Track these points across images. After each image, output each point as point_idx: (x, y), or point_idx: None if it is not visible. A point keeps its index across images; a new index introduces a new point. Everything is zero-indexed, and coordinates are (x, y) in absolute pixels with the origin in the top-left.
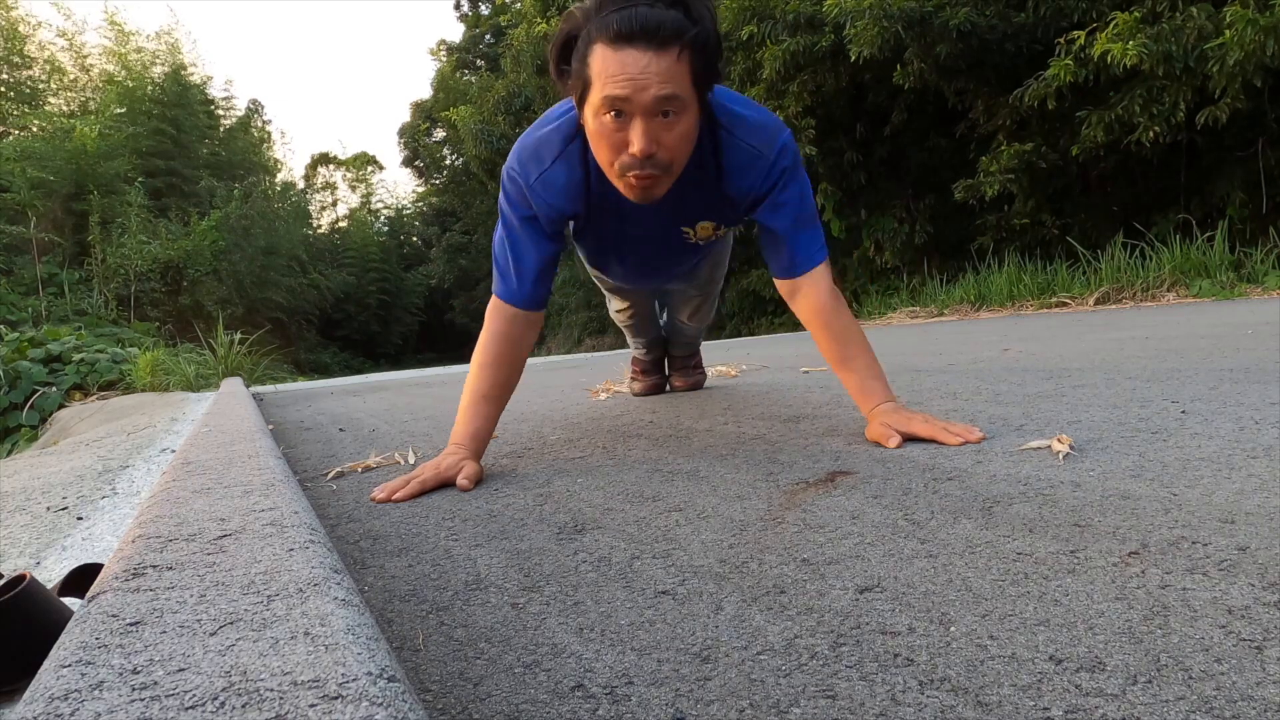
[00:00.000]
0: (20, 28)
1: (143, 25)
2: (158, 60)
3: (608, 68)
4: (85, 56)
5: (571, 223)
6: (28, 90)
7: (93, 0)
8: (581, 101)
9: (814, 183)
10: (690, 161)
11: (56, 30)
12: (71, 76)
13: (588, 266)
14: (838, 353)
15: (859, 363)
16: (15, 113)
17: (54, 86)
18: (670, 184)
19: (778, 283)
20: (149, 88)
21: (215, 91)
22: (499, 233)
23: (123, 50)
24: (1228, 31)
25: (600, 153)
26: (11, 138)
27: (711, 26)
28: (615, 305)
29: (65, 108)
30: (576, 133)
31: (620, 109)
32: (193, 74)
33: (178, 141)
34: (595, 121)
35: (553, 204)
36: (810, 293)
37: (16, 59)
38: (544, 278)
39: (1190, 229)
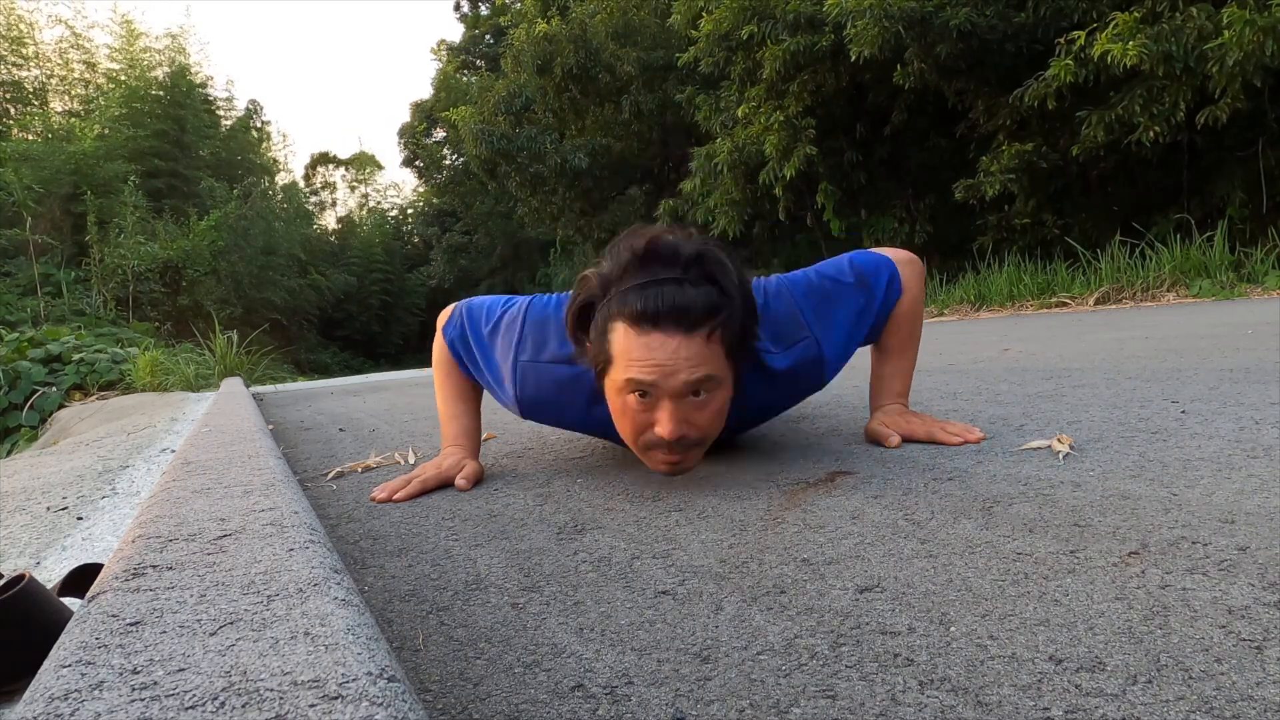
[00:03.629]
0: (21, 26)
1: (147, 25)
2: (162, 61)
3: (631, 350)
4: (92, 55)
5: (533, 409)
6: (29, 90)
7: (102, 0)
8: (601, 374)
9: (814, 183)
10: (740, 391)
11: (64, 25)
12: (76, 75)
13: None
14: (885, 342)
15: (895, 359)
16: (15, 113)
17: (56, 87)
18: (701, 456)
19: None
20: (153, 88)
21: (217, 92)
22: (474, 321)
23: (130, 50)
24: (1227, 32)
25: (623, 428)
26: (11, 139)
27: (744, 295)
28: None
29: (67, 107)
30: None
31: (647, 391)
32: (196, 74)
33: (180, 142)
34: (618, 399)
35: (540, 399)
36: (898, 311)
37: (17, 59)
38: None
39: (1190, 229)
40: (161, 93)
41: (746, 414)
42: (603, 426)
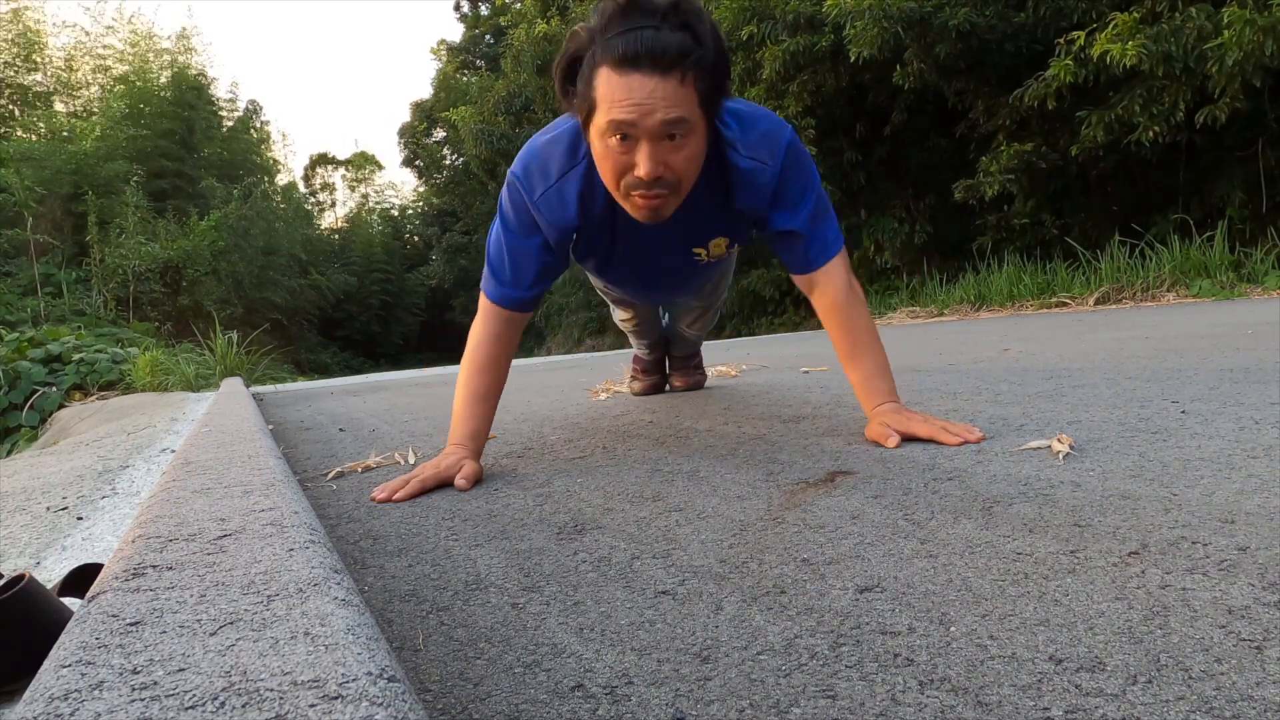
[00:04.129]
0: (32, 34)
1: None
2: (168, 62)
3: (613, 92)
4: (102, 58)
5: (574, 241)
6: (37, 94)
7: (107, 1)
8: (587, 122)
9: None
10: (698, 181)
11: (79, 29)
12: (83, 77)
13: (592, 278)
14: (847, 349)
15: (866, 360)
16: (19, 115)
17: (63, 89)
18: (678, 203)
19: (795, 279)
20: (158, 90)
21: (220, 92)
22: (496, 232)
23: (138, 50)
24: (1226, 32)
25: (606, 174)
26: (13, 140)
27: (718, 46)
28: (619, 314)
29: (73, 109)
30: (582, 149)
31: (626, 133)
32: (200, 75)
33: (186, 143)
34: (601, 144)
35: (556, 222)
36: (826, 287)
37: (29, 64)
38: (540, 283)
39: (1189, 229)
40: (167, 93)
41: (699, 215)
42: (581, 190)
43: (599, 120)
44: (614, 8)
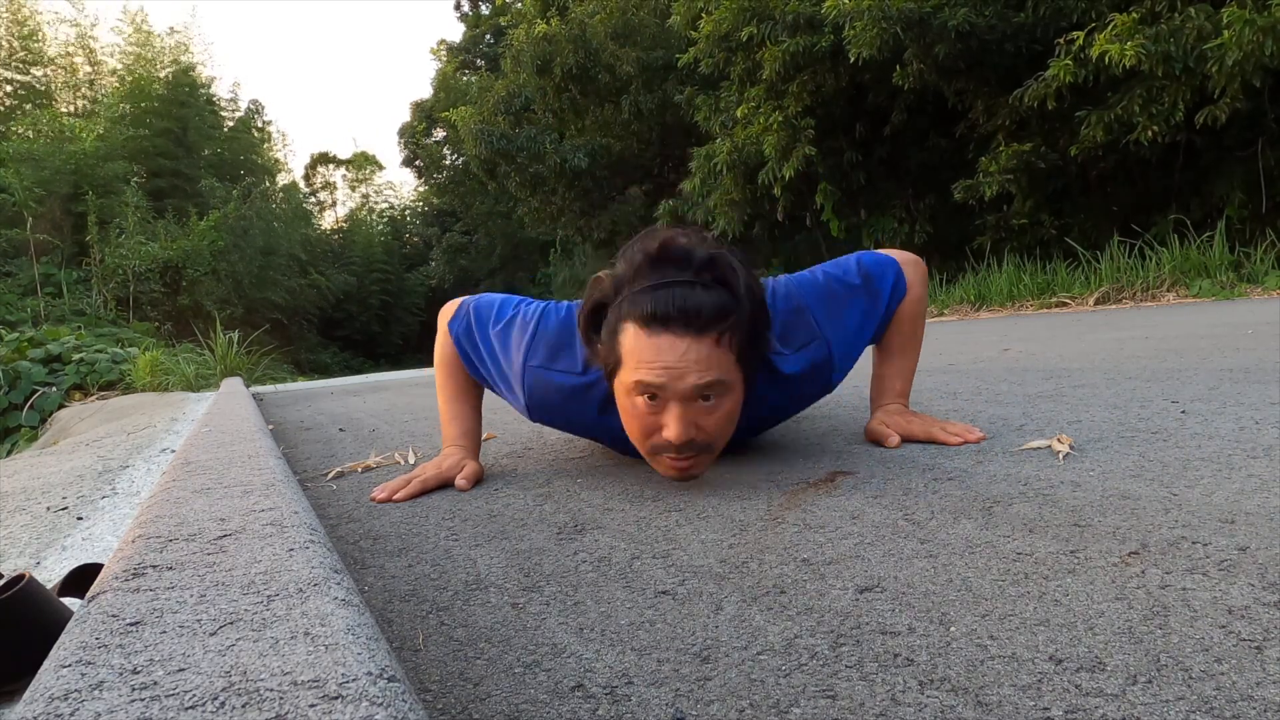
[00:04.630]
0: (29, 27)
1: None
2: (167, 61)
3: (641, 352)
4: (97, 55)
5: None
6: (38, 91)
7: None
8: (611, 374)
9: (813, 183)
10: (754, 386)
11: (72, 24)
12: (82, 75)
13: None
14: (886, 342)
15: (897, 360)
16: (20, 112)
17: (63, 87)
18: (710, 462)
19: None
20: (156, 87)
21: (221, 92)
22: (481, 320)
23: (138, 49)
24: (1226, 32)
25: (632, 431)
26: (13, 139)
27: (757, 301)
28: None
29: (71, 107)
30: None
31: (655, 394)
32: (201, 74)
33: (183, 142)
34: (627, 400)
35: (548, 404)
36: (900, 313)
37: (30, 56)
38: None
39: (1187, 230)
40: (165, 92)
41: (755, 418)
42: (612, 435)
43: (624, 377)
44: (642, 258)
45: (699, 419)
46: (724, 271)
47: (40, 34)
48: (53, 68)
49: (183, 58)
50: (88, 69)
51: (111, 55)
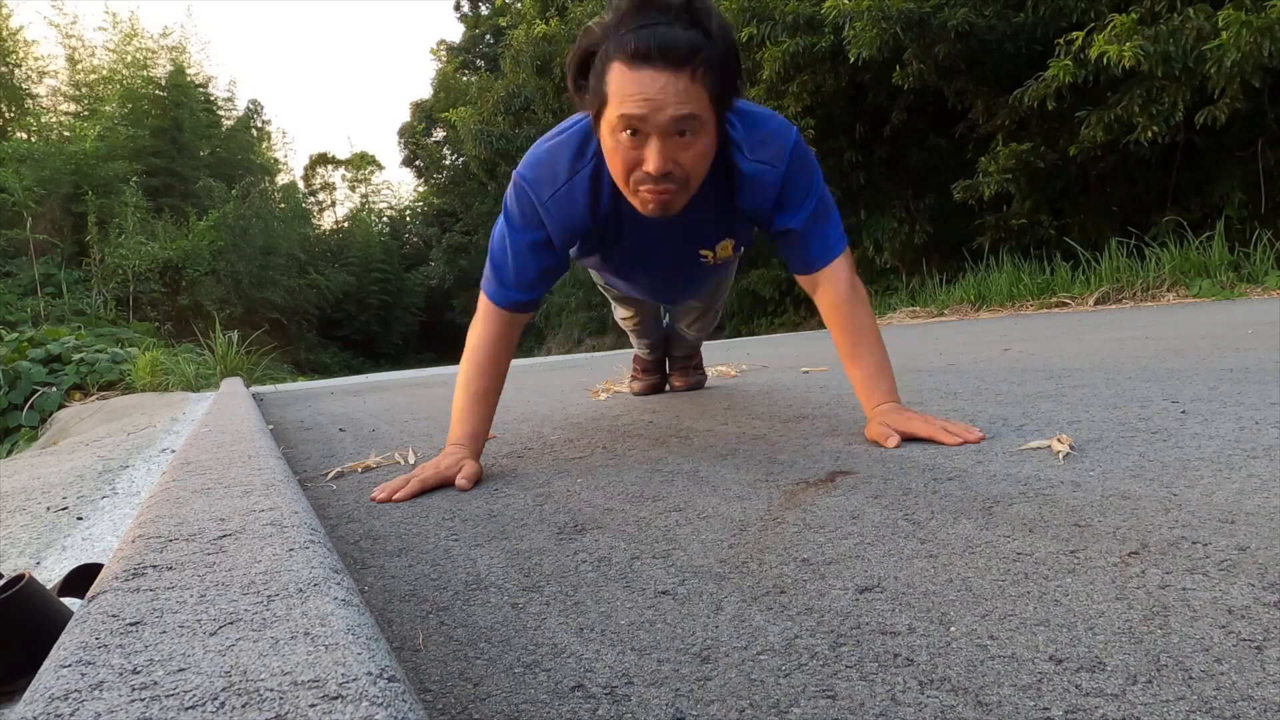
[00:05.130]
0: (11, 24)
1: (149, 24)
2: (162, 60)
3: (625, 87)
4: (89, 54)
5: (579, 242)
6: (26, 91)
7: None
8: (597, 118)
9: None
10: (706, 182)
11: (56, 28)
12: (72, 75)
13: (595, 277)
14: (848, 348)
15: (868, 360)
16: (11, 113)
17: (50, 86)
18: (686, 199)
19: (798, 278)
20: (150, 87)
21: (218, 92)
22: (500, 233)
23: (128, 49)
24: (1224, 33)
25: (615, 168)
26: (11, 140)
27: (728, 44)
28: (621, 312)
29: (67, 108)
30: (591, 150)
31: (637, 128)
32: (196, 74)
33: (178, 142)
34: (611, 138)
35: (564, 225)
36: (828, 286)
37: (12, 58)
38: (542, 284)
39: (1186, 230)
40: (161, 92)
41: (706, 216)
42: (589, 186)
43: (610, 115)
44: (628, 4)
45: (676, 153)
46: (700, 14)
47: (18, 36)
48: (35, 66)
49: (179, 58)
50: (77, 70)
51: (98, 55)
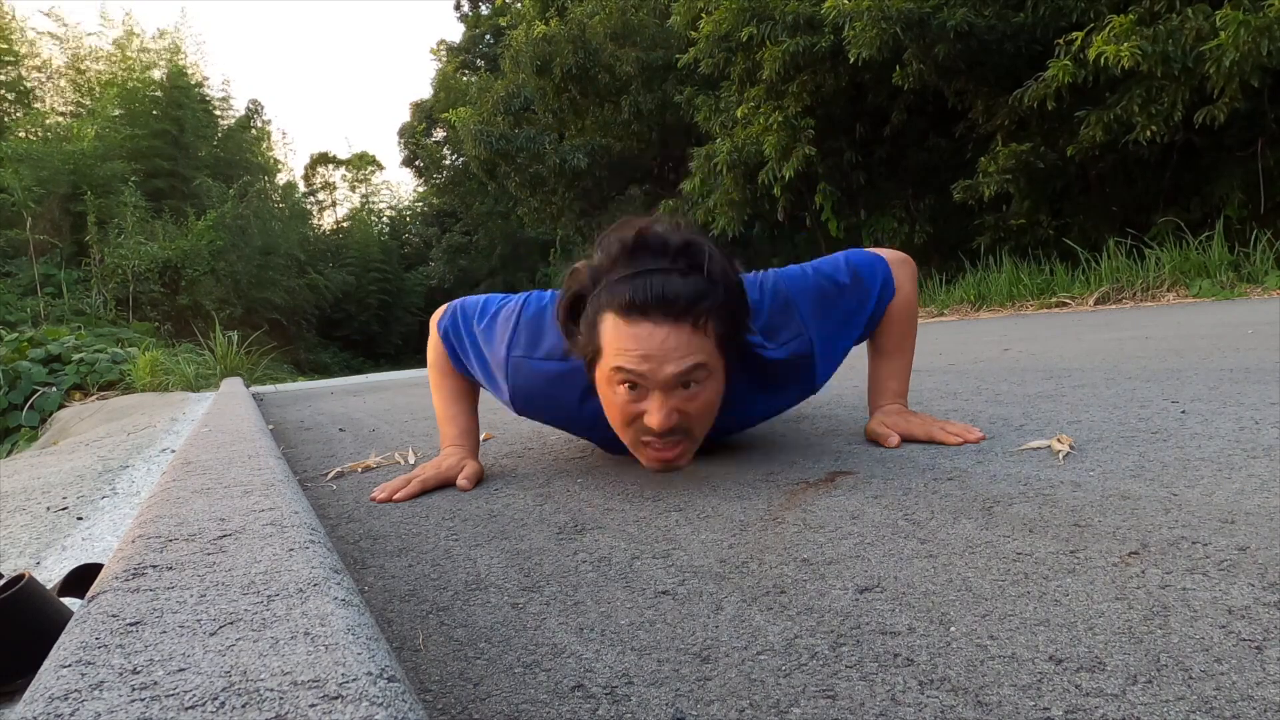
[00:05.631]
0: (8, 22)
1: (145, 25)
2: (159, 61)
3: (620, 340)
4: (85, 58)
5: (525, 404)
6: (24, 90)
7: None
8: (592, 365)
9: (813, 183)
10: (737, 378)
11: (49, 29)
12: (70, 77)
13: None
14: (879, 342)
15: (892, 360)
16: (11, 114)
17: (50, 88)
18: (694, 451)
19: None
20: (150, 89)
21: (214, 91)
22: (467, 317)
23: (126, 52)
24: (1222, 33)
25: (613, 417)
26: (10, 140)
27: (732, 284)
28: None
29: (64, 109)
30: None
31: (635, 383)
32: (193, 75)
33: (178, 142)
34: (608, 389)
35: (529, 396)
36: (890, 313)
37: (9, 58)
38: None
39: (1186, 230)
40: (159, 93)
41: (738, 412)
42: (593, 423)
43: (604, 366)
44: (618, 248)
45: (681, 405)
46: (699, 257)
47: (16, 37)
48: (33, 66)
49: (176, 58)
50: (74, 73)
51: (96, 58)
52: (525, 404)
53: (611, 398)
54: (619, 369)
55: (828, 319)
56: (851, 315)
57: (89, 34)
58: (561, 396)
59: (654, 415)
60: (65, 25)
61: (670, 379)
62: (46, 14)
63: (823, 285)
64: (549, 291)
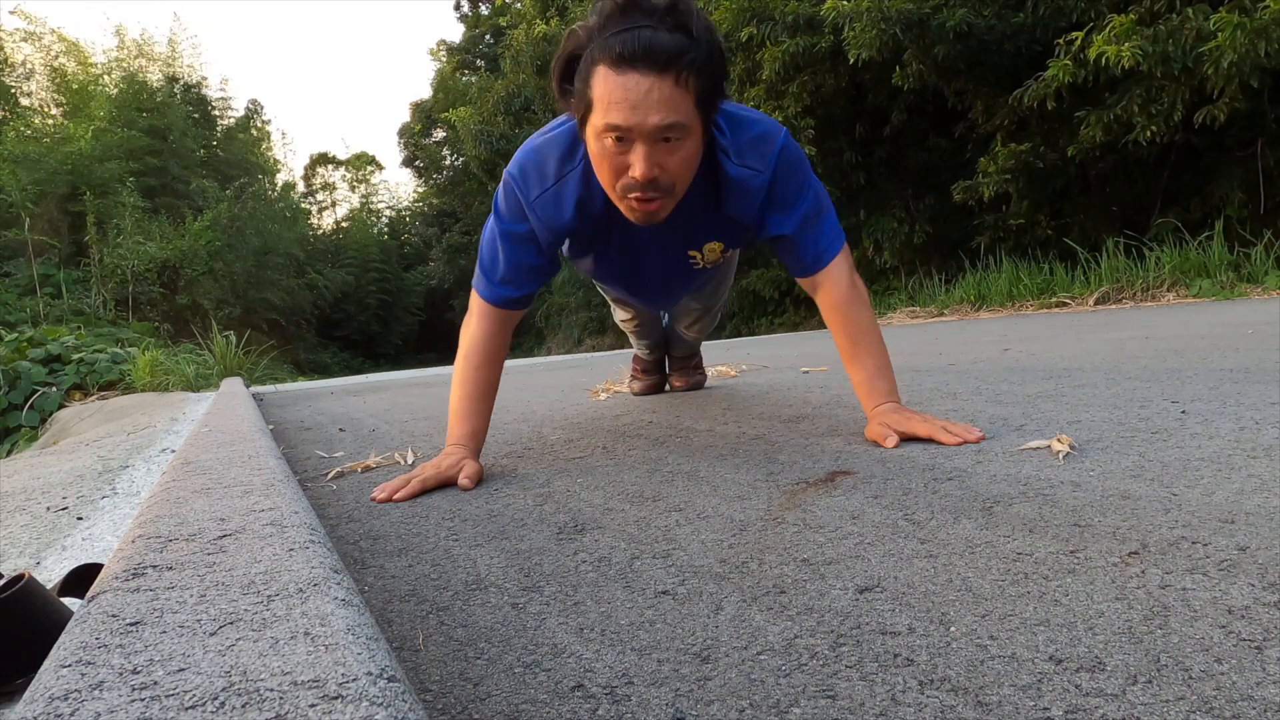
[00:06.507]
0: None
1: (142, 26)
2: (153, 64)
3: (610, 92)
4: (80, 59)
5: (568, 242)
6: (13, 92)
7: (89, 3)
8: (583, 121)
9: None
10: (692, 186)
11: (47, 34)
12: (63, 79)
13: (592, 279)
14: (848, 348)
15: (868, 360)
16: (4, 114)
17: (42, 90)
18: (672, 206)
19: (799, 281)
20: (143, 95)
21: (211, 92)
22: (490, 231)
23: (120, 53)
24: (1220, 35)
25: (602, 173)
26: (6, 140)
27: (714, 47)
28: (620, 314)
29: (55, 110)
30: (580, 152)
31: (622, 134)
32: (188, 76)
33: (175, 143)
34: (597, 143)
35: (552, 224)
36: (828, 287)
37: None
38: (534, 282)
39: (1186, 230)
40: (155, 95)
41: (687, 228)
42: (594, 227)
43: (595, 121)
44: (612, 7)
45: (662, 159)
46: (685, 17)
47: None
48: (22, 70)
49: (172, 58)
50: (68, 74)
51: (91, 60)
52: (549, 232)
53: (600, 152)
54: (609, 124)
55: (787, 187)
56: (805, 211)
57: (80, 37)
58: (554, 164)
59: (638, 167)
60: (34, 22)
61: (654, 130)
62: (13, 12)
63: (803, 176)
64: (516, 155)
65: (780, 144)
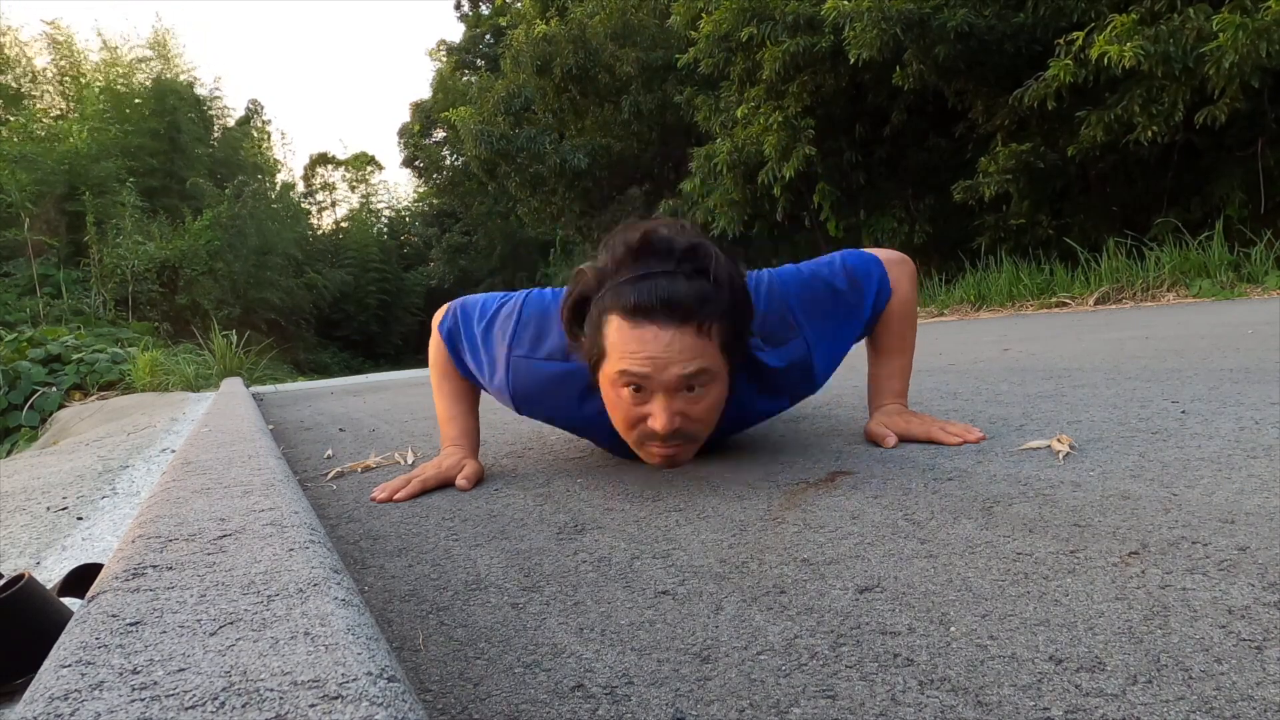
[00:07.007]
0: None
1: (138, 28)
2: (147, 66)
3: (625, 343)
4: (77, 61)
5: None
6: (12, 92)
7: (83, 5)
8: (596, 367)
9: (813, 183)
10: (738, 382)
11: (54, 41)
12: (59, 81)
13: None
14: (879, 345)
15: (891, 361)
16: (2, 118)
17: (39, 91)
18: (695, 450)
19: None
20: (137, 98)
21: (205, 91)
22: (483, 321)
23: (115, 54)
24: (1221, 35)
25: (617, 419)
26: (4, 141)
27: (738, 291)
28: None
29: (55, 112)
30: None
31: (640, 385)
32: (184, 76)
33: (175, 142)
34: (612, 392)
35: (529, 396)
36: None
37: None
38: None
39: (1185, 230)
40: (150, 96)
41: (739, 414)
42: (593, 423)
43: (609, 368)
44: (623, 250)
45: (685, 408)
46: (705, 261)
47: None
48: (21, 70)
49: (170, 58)
50: (65, 76)
51: (84, 62)
52: (526, 403)
53: (616, 400)
54: (624, 372)
55: (824, 322)
56: (848, 318)
57: (82, 39)
58: (563, 396)
59: (658, 418)
60: (59, 30)
61: (674, 382)
62: (48, 23)
63: (816, 287)
64: (549, 290)
65: (792, 294)
